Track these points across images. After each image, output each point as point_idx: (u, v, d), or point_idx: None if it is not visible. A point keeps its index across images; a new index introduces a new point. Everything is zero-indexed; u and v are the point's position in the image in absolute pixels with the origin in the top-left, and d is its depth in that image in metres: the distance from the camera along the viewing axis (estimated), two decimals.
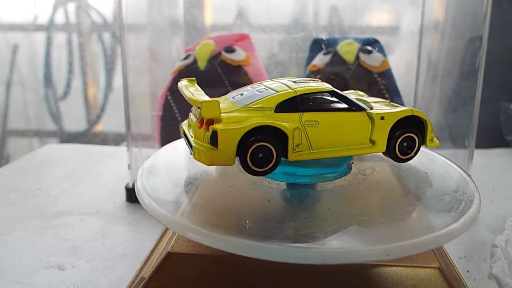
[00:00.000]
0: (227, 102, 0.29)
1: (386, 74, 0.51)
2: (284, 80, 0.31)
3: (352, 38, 0.53)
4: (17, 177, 0.59)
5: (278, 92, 0.28)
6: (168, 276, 0.28)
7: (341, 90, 0.31)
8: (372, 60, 0.51)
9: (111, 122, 0.99)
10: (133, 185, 0.39)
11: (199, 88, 0.30)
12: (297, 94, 0.28)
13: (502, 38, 0.72)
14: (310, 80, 0.31)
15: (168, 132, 0.52)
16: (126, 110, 0.49)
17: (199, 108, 0.28)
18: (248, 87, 0.31)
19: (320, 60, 0.52)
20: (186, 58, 0.53)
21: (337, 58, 0.51)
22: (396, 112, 0.30)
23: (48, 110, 0.98)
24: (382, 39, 0.54)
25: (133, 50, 0.49)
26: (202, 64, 0.51)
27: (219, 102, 0.26)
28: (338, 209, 0.27)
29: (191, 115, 0.30)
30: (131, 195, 0.50)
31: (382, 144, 0.30)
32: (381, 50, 0.52)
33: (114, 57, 0.96)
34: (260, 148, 0.26)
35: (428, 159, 0.36)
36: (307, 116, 0.28)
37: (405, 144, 0.31)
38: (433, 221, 0.26)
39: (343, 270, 0.27)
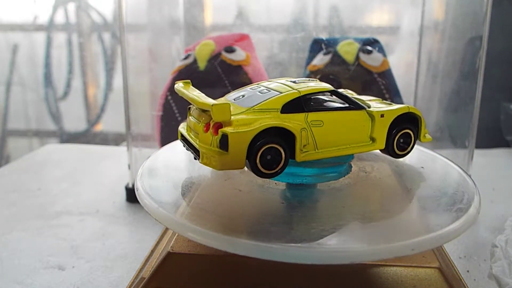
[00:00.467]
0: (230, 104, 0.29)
1: (386, 74, 0.51)
2: (283, 80, 0.31)
3: (352, 38, 0.53)
4: (17, 177, 0.59)
5: (281, 93, 0.28)
6: (168, 276, 0.28)
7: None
8: (372, 60, 0.51)
9: (111, 122, 0.99)
10: (133, 185, 0.38)
11: (196, 90, 0.30)
12: (301, 94, 0.28)
13: (502, 38, 0.72)
14: (309, 80, 0.31)
15: (168, 132, 0.52)
16: (126, 110, 0.49)
17: (203, 111, 0.27)
18: (247, 88, 0.31)
19: (320, 60, 0.52)
20: (186, 58, 0.53)
21: (337, 58, 0.51)
22: (395, 109, 0.31)
23: (48, 110, 0.98)
24: (382, 39, 0.54)
25: (133, 50, 0.49)
26: (202, 64, 0.51)
27: (230, 105, 0.26)
28: (338, 209, 0.27)
29: (191, 119, 0.29)
30: (131, 195, 0.50)
31: (382, 141, 0.31)
32: (381, 50, 0.52)
33: (114, 57, 0.96)
34: (269, 150, 0.26)
35: (428, 159, 0.36)
36: (312, 116, 0.28)
37: (401, 140, 0.32)
38: (433, 220, 0.26)
39: (343, 270, 0.27)
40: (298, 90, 0.28)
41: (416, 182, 0.32)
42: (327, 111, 0.29)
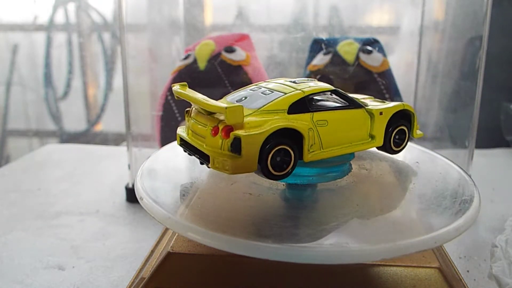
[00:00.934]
0: None
1: (386, 74, 0.51)
2: (281, 80, 0.31)
3: (352, 38, 0.53)
4: (17, 177, 0.59)
5: (285, 93, 0.28)
6: (168, 276, 0.28)
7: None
8: (372, 60, 0.51)
9: (111, 122, 0.99)
10: (133, 185, 0.38)
11: (193, 91, 0.29)
12: (306, 94, 0.28)
13: (502, 38, 0.72)
14: (308, 80, 0.31)
15: (168, 132, 0.52)
16: (126, 110, 0.49)
17: (208, 114, 0.27)
18: (247, 89, 0.30)
19: (320, 60, 0.52)
20: (186, 58, 0.53)
21: (337, 58, 0.51)
22: (392, 107, 0.31)
23: (48, 110, 0.98)
24: (382, 39, 0.54)
25: (133, 50, 0.49)
26: (202, 64, 0.51)
27: (242, 107, 0.25)
28: (338, 209, 0.27)
29: (193, 122, 0.28)
30: (131, 195, 0.50)
31: (380, 138, 0.31)
32: (381, 50, 0.52)
33: (114, 57, 0.96)
34: (278, 152, 0.26)
35: (429, 159, 0.36)
36: (317, 116, 0.28)
37: (397, 137, 0.32)
38: (433, 220, 0.26)
39: (343, 270, 0.27)
40: (302, 90, 0.28)
41: (416, 182, 0.32)
42: (330, 111, 0.29)
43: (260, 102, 0.28)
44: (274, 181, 0.30)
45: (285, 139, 0.26)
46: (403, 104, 0.32)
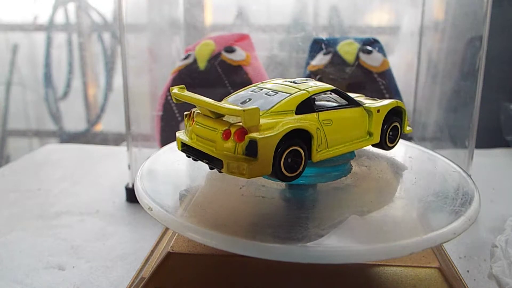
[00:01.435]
0: None
1: (386, 74, 0.51)
2: (280, 81, 0.31)
3: (352, 38, 0.53)
4: (17, 177, 0.59)
5: (290, 94, 0.28)
6: (168, 276, 0.28)
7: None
8: (372, 60, 0.51)
9: (111, 122, 0.99)
10: (133, 185, 0.38)
11: (190, 93, 0.29)
12: (310, 94, 0.28)
13: (502, 38, 0.72)
14: (307, 80, 0.31)
15: (168, 132, 0.52)
16: (126, 110, 0.49)
17: (217, 117, 0.26)
18: (248, 91, 0.30)
19: (320, 60, 0.52)
20: (186, 58, 0.53)
21: (337, 58, 0.51)
22: (387, 104, 0.32)
23: (48, 110, 0.98)
24: (382, 39, 0.54)
25: (133, 50, 0.49)
26: (202, 64, 0.51)
27: (259, 109, 0.25)
28: (337, 208, 0.27)
29: (196, 126, 0.27)
30: (131, 195, 0.50)
31: (377, 135, 0.32)
32: (381, 50, 0.52)
33: (114, 57, 0.95)
34: (289, 153, 0.26)
35: (429, 159, 0.36)
36: (323, 115, 0.28)
37: (391, 133, 0.33)
38: (433, 220, 0.26)
39: (343, 270, 0.27)
40: (306, 90, 0.28)
41: (417, 182, 0.32)
42: (333, 110, 0.29)
43: (268, 104, 0.27)
44: (274, 181, 0.30)
45: (296, 140, 0.26)
46: (396, 101, 0.33)
